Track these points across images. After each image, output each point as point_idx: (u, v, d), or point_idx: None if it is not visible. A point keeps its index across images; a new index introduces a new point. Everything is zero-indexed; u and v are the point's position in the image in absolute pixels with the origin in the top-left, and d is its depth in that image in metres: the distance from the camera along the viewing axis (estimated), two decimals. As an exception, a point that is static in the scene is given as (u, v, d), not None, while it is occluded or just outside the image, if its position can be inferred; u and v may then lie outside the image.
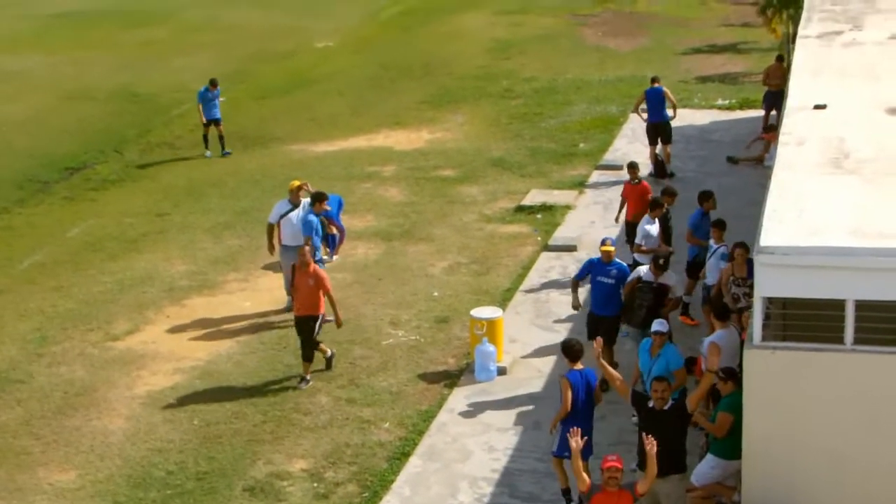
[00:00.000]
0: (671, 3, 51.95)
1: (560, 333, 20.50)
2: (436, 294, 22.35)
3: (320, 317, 19.24)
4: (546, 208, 26.55)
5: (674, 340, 17.30)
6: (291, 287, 19.66)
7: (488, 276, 23.27)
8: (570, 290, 19.58)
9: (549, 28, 47.73)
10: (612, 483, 12.99)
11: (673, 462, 14.27)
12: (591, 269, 18.80)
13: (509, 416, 18.03)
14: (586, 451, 14.58)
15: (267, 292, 22.85)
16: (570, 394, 15.15)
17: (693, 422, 14.79)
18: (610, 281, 18.48)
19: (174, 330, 21.52)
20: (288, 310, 21.43)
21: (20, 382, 19.70)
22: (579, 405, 15.23)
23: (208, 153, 32.20)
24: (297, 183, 22.19)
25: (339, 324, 19.46)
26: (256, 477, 16.76)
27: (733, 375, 14.87)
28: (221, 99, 32.68)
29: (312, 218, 21.40)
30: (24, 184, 30.57)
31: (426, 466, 16.87)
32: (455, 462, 16.94)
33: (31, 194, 29.81)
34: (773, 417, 13.97)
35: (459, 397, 18.70)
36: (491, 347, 19.12)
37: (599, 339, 15.39)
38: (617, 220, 23.64)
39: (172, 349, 20.73)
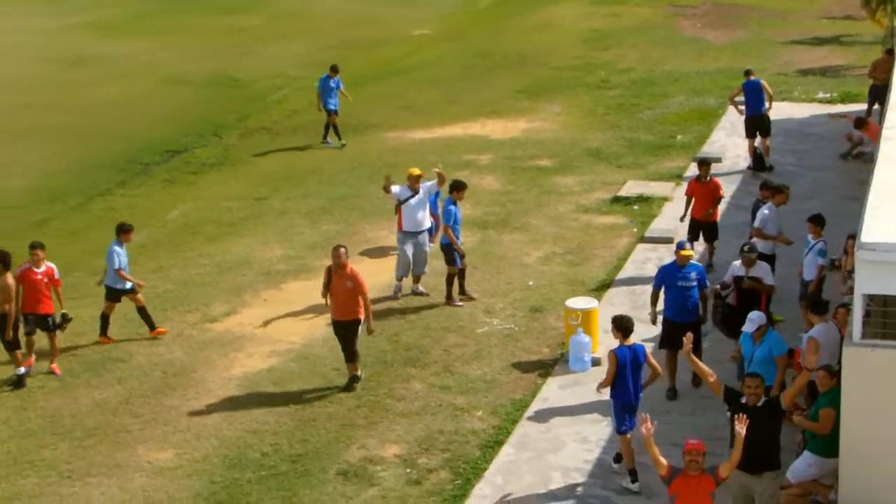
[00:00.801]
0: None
1: (656, 326, 20.40)
2: (531, 283, 22.35)
3: (360, 322, 18.69)
4: (643, 199, 26.45)
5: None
6: (327, 290, 18.91)
7: (584, 266, 23.23)
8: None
9: (646, 19, 47.47)
10: (693, 466, 12.93)
11: (767, 459, 14.13)
12: (666, 276, 18.23)
13: (602, 407, 17.91)
14: (631, 424, 15.67)
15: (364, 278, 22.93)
16: (613, 369, 15.72)
17: (788, 419, 14.67)
18: (689, 285, 17.98)
19: (271, 313, 21.72)
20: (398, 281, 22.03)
21: (121, 361, 20.03)
22: (628, 380, 15.73)
23: (329, 142, 32.10)
24: (416, 171, 22.19)
25: (369, 331, 18.91)
26: (350, 461, 16.88)
27: (831, 372, 14.72)
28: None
29: (452, 207, 21.57)
30: (125, 166, 31.03)
31: (519, 455, 16.89)
32: (547, 452, 16.94)
33: (132, 177, 30.24)
34: (871, 416, 13.80)
35: (553, 387, 18.70)
36: (586, 338, 19.10)
37: (690, 335, 15.25)
38: (682, 218, 23.12)
39: (269, 332, 20.94)
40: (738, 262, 18.65)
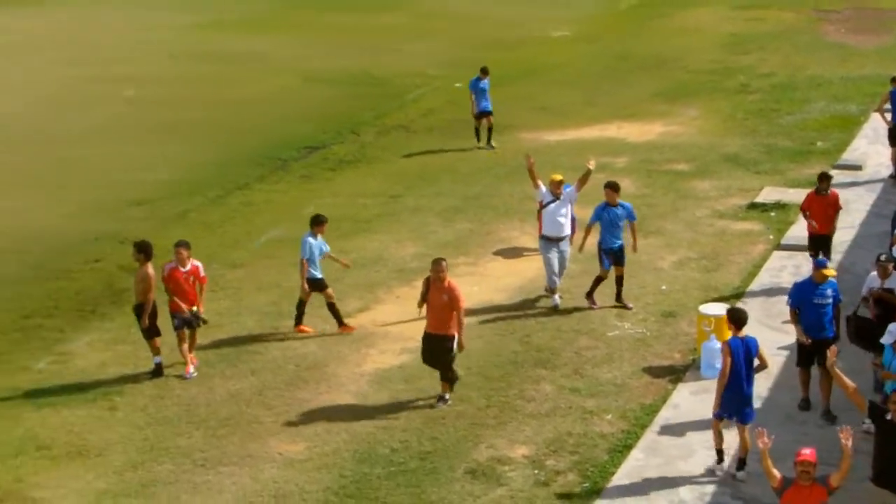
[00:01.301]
0: (921, -1, 50.44)
1: (789, 335, 20.10)
2: (664, 288, 22.22)
3: (454, 337, 18.20)
4: (780, 206, 26.11)
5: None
6: (423, 301, 18.40)
7: (718, 272, 23.02)
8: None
9: (789, 24, 46.86)
10: (804, 477, 12.83)
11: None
12: (802, 293, 17.72)
13: (734, 415, 17.81)
14: (747, 416, 16.04)
15: (495, 278, 23.06)
16: (729, 360, 15.84)
17: None
18: (826, 301, 17.54)
19: (403, 310, 21.85)
20: (551, 291, 21.82)
21: (256, 354, 20.35)
22: (741, 371, 15.94)
23: (480, 144, 31.97)
24: (558, 177, 22.02)
25: (461, 347, 18.32)
26: (478, 460, 16.94)
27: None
28: (457, 84, 32.80)
29: (620, 210, 21.37)
30: (263, 161, 31.52)
31: (647, 461, 16.80)
32: (677, 459, 16.83)
33: (270, 172, 30.71)
34: None
35: (684, 393, 18.57)
36: (718, 344, 18.84)
37: (834, 349, 15.03)
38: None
39: (401, 329, 21.08)
40: (874, 273, 18.33)
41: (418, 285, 22.53)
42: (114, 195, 29.03)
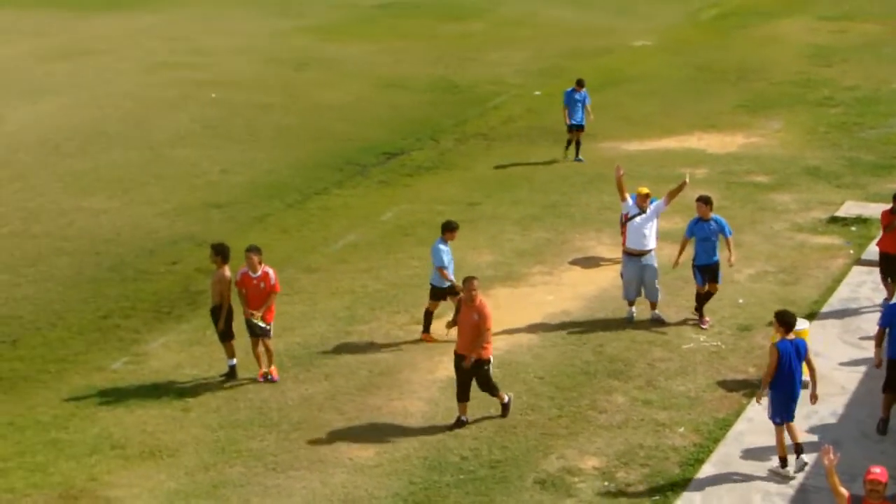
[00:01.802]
0: None
1: (867, 350, 19.91)
2: (741, 301, 22.01)
3: (483, 362, 17.91)
4: (861, 221, 25.81)
5: None
6: (454, 322, 18.17)
7: (796, 286, 22.78)
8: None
9: (873, 36, 46.35)
10: (873, 496, 12.65)
11: None
12: (892, 310, 17.40)
13: (809, 431, 17.60)
14: (787, 416, 16.35)
15: (570, 287, 22.99)
16: (775, 361, 16.05)
17: None
18: None
19: (477, 318, 21.86)
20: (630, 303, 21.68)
21: (328, 358, 20.44)
22: (791, 373, 16.17)
23: (569, 157, 31.53)
24: (645, 190, 21.76)
25: (467, 364, 17.82)
26: (548, 470, 16.88)
27: None
28: (536, 92, 32.68)
29: (713, 225, 20.99)
30: (342, 167, 31.67)
31: (719, 475, 16.65)
32: (749, 473, 16.66)
33: (349, 177, 30.84)
34: None
35: (758, 408, 18.25)
36: (794, 360, 18.69)
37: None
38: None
39: (474, 337, 21.06)
40: None
41: (494, 293, 22.79)
42: (195, 198, 29.32)
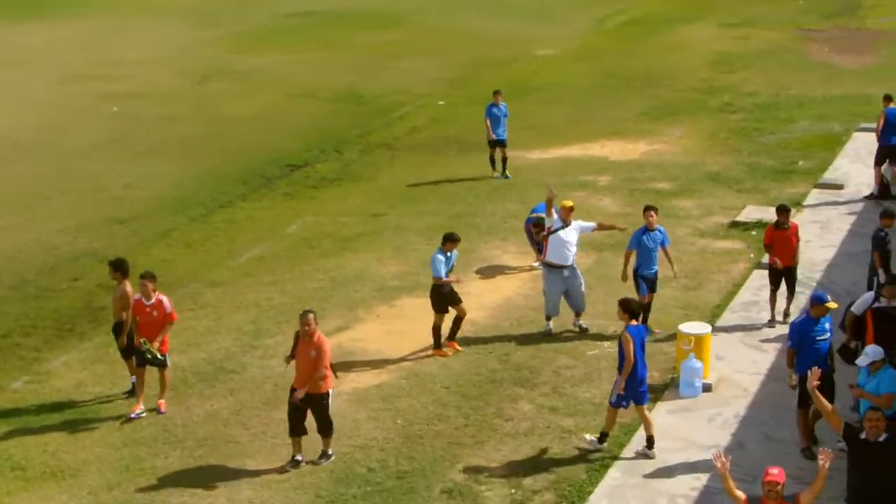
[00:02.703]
0: (904, 19, 50.65)
1: (768, 353, 20.23)
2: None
3: (322, 396, 17.29)
4: (761, 225, 26.03)
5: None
6: (292, 357, 17.49)
7: (698, 291, 23.02)
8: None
9: (774, 42, 46.98)
10: (771, 496, 12.76)
11: (887, 498, 13.80)
12: (803, 332, 17.04)
13: (712, 434, 17.79)
14: (643, 397, 17.20)
15: (476, 297, 23.00)
16: (632, 347, 16.86)
17: None
18: (825, 337, 17.06)
19: (383, 329, 21.86)
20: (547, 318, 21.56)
21: (233, 373, 20.30)
22: (638, 357, 17.02)
23: (496, 175, 30.71)
24: (569, 203, 21.68)
25: (298, 397, 17.15)
26: (455, 479, 16.89)
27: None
28: (440, 102, 32.59)
29: (658, 235, 21.10)
30: (247, 179, 31.52)
31: (625, 480, 16.77)
32: (654, 478, 16.79)
33: (254, 189, 30.70)
34: None
35: (662, 412, 18.54)
36: (697, 363, 18.90)
37: (816, 370, 14.93)
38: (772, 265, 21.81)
39: (380, 348, 21.06)
40: (869, 294, 18.25)
41: (399, 304, 22.78)
42: (98, 213, 29.01)
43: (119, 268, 19.50)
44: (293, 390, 17.26)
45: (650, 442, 17.28)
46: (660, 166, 31.16)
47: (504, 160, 30.66)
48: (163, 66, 45.29)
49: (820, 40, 47.10)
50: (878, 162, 27.73)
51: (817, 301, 17.15)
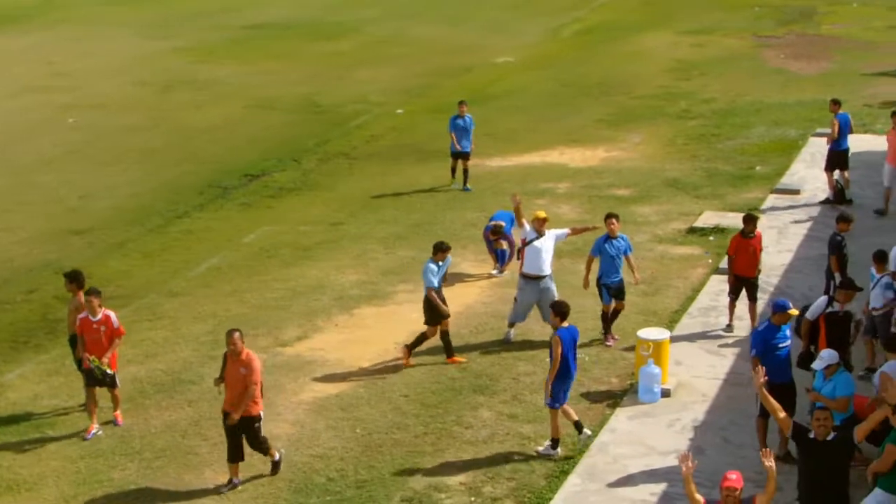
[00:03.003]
0: (858, 26, 51.08)
1: (726, 358, 20.28)
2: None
3: (254, 419, 16.83)
4: (719, 231, 26.23)
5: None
6: (222, 379, 16.99)
7: (657, 296, 23.07)
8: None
9: (731, 49, 47.26)
10: (729, 501, 12.81)
11: (835, 496, 13.90)
12: (766, 339, 17.02)
13: (671, 439, 17.82)
14: (564, 399, 17.46)
15: (435, 305, 22.99)
16: (560, 350, 17.13)
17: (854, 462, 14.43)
18: (786, 344, 17.12)
19: (342, 338, 21.80)
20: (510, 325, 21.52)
21: (191, 383, 20.17)
22: (569, 359, 17.32)
23: (455, 184, 30.51)
24: (542, 214, 21.57)
25: (231, 420, 16.72)
26: (415, 488, 16.85)
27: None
28: (399, 110, 32.50)
29: (621, 242, 21.02)
30: (205, 189, 31.38)
31: (585, 486, 16.76)
32: (614, 484, 16.79)
33: (211, 200, 30.57)
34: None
35: (622, 418, 18.56)
36: (656, 369, 18.94)
37: (761, 368, 15.01)
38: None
39: (339, 357, 20.99)
40: (823, 298, 18.40)
41: (359, 313, 22.73)
42: (55, 224, 28.84)
43: (74, 279, 19.33)
44: (226, 414, 16.85)
45: (553, 441, 17.66)
46: (618, 173, 31.24)
47: (465, 171, 30.36)
48: (118, 77, 45.09)
49: (776, 47, 47.41)
50: (830, 167, 27.91)
51: (779, 308, 17.19)
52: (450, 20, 56.04)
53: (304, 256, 26.04)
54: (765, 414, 16.97)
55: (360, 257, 25.86)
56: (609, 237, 21.17)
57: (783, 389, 16.47)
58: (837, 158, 27.85)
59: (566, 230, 22.04)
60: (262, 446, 17.14)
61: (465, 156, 30.22)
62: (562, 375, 17.29)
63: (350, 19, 57.01)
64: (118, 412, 18.96)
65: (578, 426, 17.74)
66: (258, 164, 33.49)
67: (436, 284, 20.40)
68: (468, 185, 30.34)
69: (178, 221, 28.90)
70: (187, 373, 20.59)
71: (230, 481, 17.10)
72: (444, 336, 20.70)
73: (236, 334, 16.77)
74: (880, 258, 19.51)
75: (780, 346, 17.03)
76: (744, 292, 21.26)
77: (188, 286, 24.64)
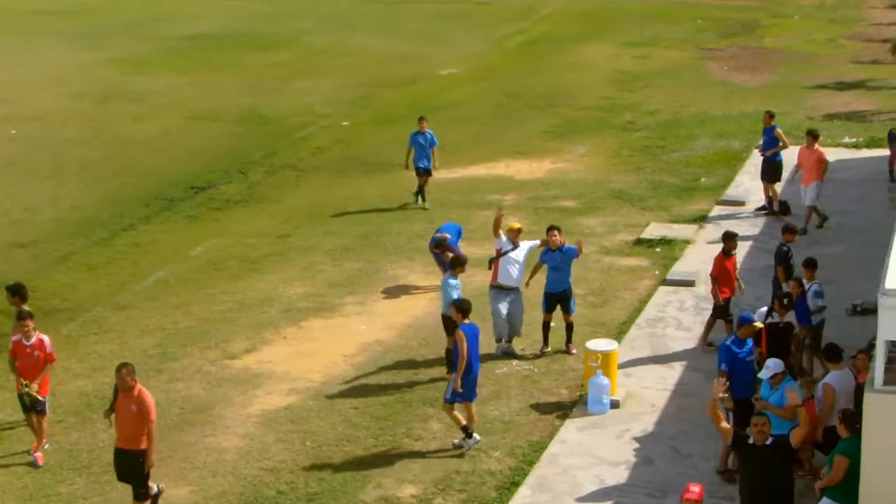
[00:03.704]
0: (799, 39, 51.57)
1: (675, 369, 20.39)
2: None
3: (144, 453, 15.91)
4: (665, 242, 26.39)
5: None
6: (112, 411, 16.09)
7: (605, 308, 23.16)
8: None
9: (675, 61, 47.58)
10: None
11: (778, 500, 14.04)
12: (734, 352, 17.01)
13: (621, 450, 17.89)
14: (474, 394, 17.94)
15: (383, 317, 22.98)
16: (466, 345, 17.54)
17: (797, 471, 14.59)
18: (752, 357, 17.23)
19: (290, 350, 21.73)
20: (498, 340, 21.32)
21: (139, 397, 20.01)
22: (473, 354, 17.73)
23: (426, 205, 29.62)
24: (517, 225, 21.65)
25: (149, 465, 15.94)
26: (366, 500, 16.81)
27: (852, 419, 14.62)
28: (344, 122, 32.27)
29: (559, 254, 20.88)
30: (150, 202, 31.16)
31: (535, 497, 16.80)
32: (565, 494, 16.84)
33: (157, 212, 30.36)
34: (892, 463, 13.69)
35: (571, 429, 18.61)
36: (605, 380, 19.01)
37: (723, 379, 15.16)
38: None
39: (288, 370, 20.92)
40: (763, 309, 18.58)
41: (307, 325, 22.68)
42: (-4, 237, 28.56)
43: (16, 293, 19.06)
44: (118, 451, 16.09)
45: (467, 431, 18.04)
46: (564, 184, 31.36)
47: (421, 188, 29.74)
48: (55, 89, 44.65)
49: (719, 59, 47.80)
50: (771, 179, 28.14)
51: (744, 321, 17.36)
52: (386, 31, 56.14)
53: (252, 269, 25.93)
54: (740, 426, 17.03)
55: (307, 269, 25.79)
56: (550, 249, 21.20)
57: (748, 405, 16.65)
58: (775, 169, 28.12)
59: (537, 241, 22.01)
60: (142, 490, 16.12)
61: (427, 172, 29.60)
62: (467, 371, 17.66)
63: (286, 30, 56.94)
64: (39, 453, 17.98)
65: (467, 430, 18.03)
66: (204, 176, 33.31)
67: (449, 298, 19.99)
68: (426, 204, 29.65)
69: (124, 234, 28.66)
70: (134, 386, 20.41)
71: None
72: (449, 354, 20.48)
73: (124, 370, 15.86)
74: (810, 265, 19.70)
75: (748, 359, 17.14)
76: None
77: (135, 299, 24.46)
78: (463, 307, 18.07)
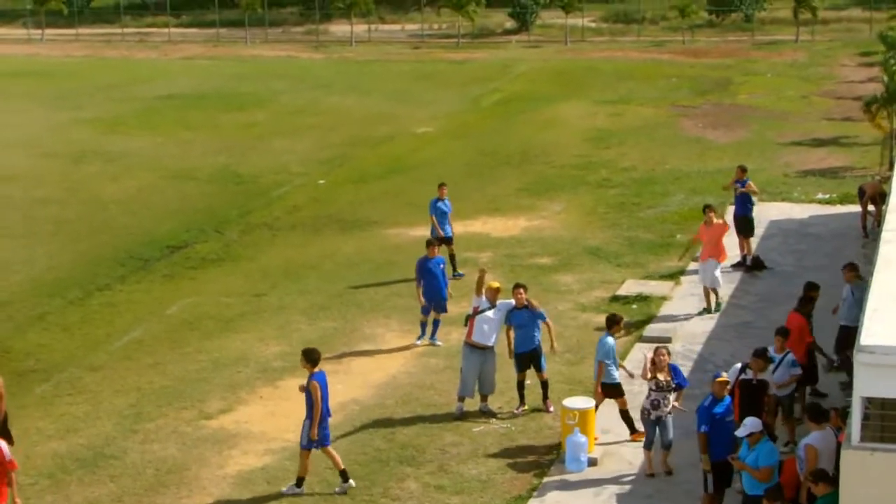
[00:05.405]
0: (772, 96, 51.92)
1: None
2: (528, 383, 22.17)
3: None
4: (642, 299, 26.42)
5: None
6: None
7: (581, 365, 23.11)
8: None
9: (649, 119, 47.84)
10: None
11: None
12: (712, 413, 16.96)
13: (600, 507, 17.85)
14: (328, 438, 18.46)
15: (360, 375, 22.92)
16: (319, 393, 18.04)
17: None
18: (731, 417, 17.19)
19: (266, 410, 21.63)
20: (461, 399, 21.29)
21: (114, 458, 19.88)
22: (325, 401, 18.24)
23: (461, 273, 28.35)
24: (496, 284, 21.63)
25: None
26: (343, 561, 16.73)
27: (825, 477, 14.60)
28: (320, 181, 32.11)
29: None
30: (125, 261, 31.07)
31: (513, 557, 16.73)
32: (543, 553, 16.78)
33: (132, 271, 30.26)
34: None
35: (549, 487, 18.54)
36: (582, 438, 18.97)
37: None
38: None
39: (264, 430, 20.81)
40: (738, 365, 18.57)
41: (283, 385, 22.57)
42: (-30, 298, 28.39)
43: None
44: None
45: (344, 476, 18.49)
46: (540, 241, 31.41)
47: (452, 257, 28.40)
48: (27, 149, 44.56)
49: (693, 116, 48.09)
50: (746, 234, 28.32)
51: (714, 378, 17.35)
52: (360, 90, 56.37)
53: (227, 328, 25.84)
54: (717, 490, 17.00)
55: (283, 328, 25.71)
56: (515, 307, 21.17)
57: (726, 467, 16.69)
58: (748, 224, 28.32)
59: (512, 301, 21.92)
60: None
61: (448, 240, 28.58)
62: (322, 417, 18.16)
63: (261, 90, 57.18)
64: None
65: (344, 475, 18.46)
66: (179, 235, 33.26)
67: (606, 358, 19.93)
68: (460, 271, 28.49)
69: (99, 294, 28.53)
70: (109, 448, 20.29)
71: None
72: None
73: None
74: (782, 334, 19.41)
75: (727, 419, 17.06)
76: None
77: (109, 359, 24.33)
78: (312, 357, 18.38)
